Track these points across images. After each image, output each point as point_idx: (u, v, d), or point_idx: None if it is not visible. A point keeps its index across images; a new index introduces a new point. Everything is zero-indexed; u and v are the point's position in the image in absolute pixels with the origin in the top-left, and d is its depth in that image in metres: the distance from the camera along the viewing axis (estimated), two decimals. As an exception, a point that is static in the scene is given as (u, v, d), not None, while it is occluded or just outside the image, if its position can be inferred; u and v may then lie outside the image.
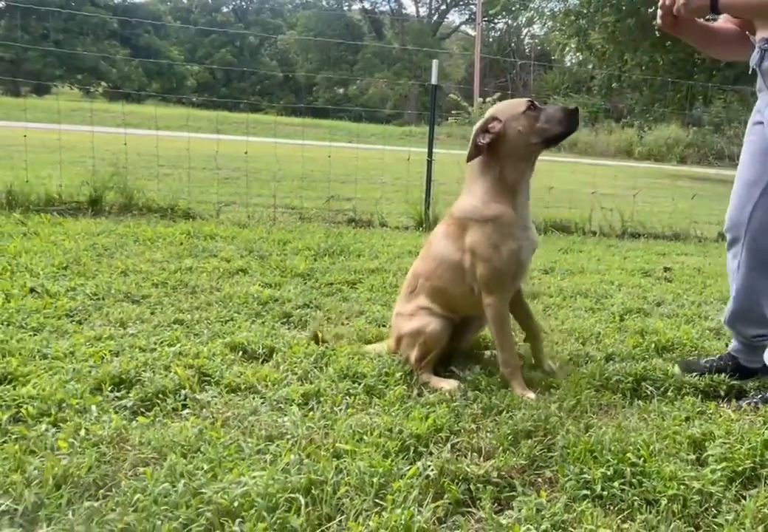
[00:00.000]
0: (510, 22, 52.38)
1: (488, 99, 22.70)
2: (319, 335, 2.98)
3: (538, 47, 51.76)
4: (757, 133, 2.63)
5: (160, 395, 2.29)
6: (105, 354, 2.62)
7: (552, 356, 2.94)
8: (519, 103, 2.56)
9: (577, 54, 27.22)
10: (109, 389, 2.32)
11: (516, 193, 2.59)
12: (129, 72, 43.70)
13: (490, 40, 54.10)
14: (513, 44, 54.29)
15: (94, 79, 41.38)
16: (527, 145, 2.56)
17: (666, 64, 22.14)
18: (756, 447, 2.07)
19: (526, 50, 54.73)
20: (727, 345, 3.26)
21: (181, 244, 4.91)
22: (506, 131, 2.52)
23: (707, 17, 2.68)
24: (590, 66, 25.91)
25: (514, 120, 2.52)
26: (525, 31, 53.41)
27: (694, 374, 2.79)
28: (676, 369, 2.84)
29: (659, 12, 2.64)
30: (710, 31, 2.79)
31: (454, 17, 79.26)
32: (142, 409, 2.23)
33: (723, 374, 2.78)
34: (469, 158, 2.57)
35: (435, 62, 7.02)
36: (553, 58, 35.15)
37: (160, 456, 1.90)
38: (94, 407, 2.16)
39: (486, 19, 47.38)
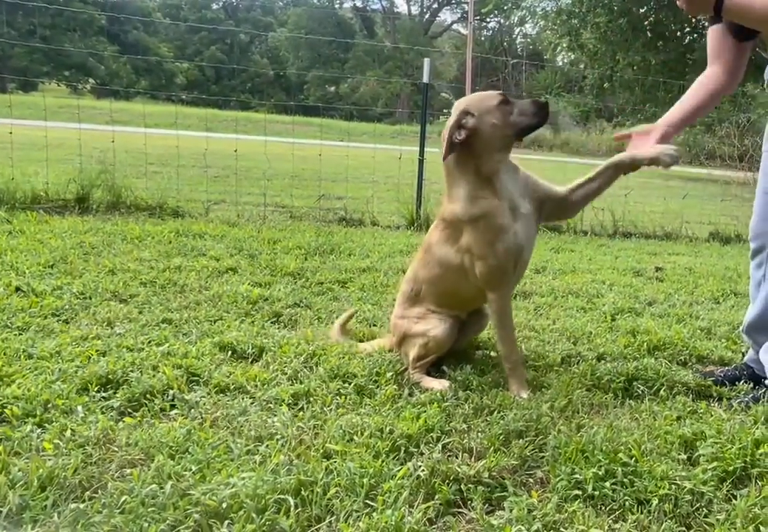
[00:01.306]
0: (502, 21, 52.53)
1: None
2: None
3: (530, 46, 51.91)
4: None
5: (148, 396, 2.28)
6: (92, 354, 2.60)
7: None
8: (491, 96, 2.53)
9: (569, 53, 27.28)
10: (96, 389, 2.30)
11: (497, 180, 2.54)
12: (117, 69, 43.52)
13: (482, 39, 54.15)
14: (505, 43, 54.42)
15: (81, 76, 41.20)
16: (503, 138, 2.52)
17: (657, 64, 22.27)
18: (747, 447, 2.07)
19: (518, 49, 54.89)
20: (718, 347, 3.30)
21: (170, 242, 4.88)
22: (480, 126, 2.48)
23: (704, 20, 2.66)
24: (582, 66, 25.99)
25: (488, 113, 2.48)
26: (517, 30, 53.61)
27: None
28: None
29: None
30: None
31: (446, 16, 79.50)
32: (129, 409, 2.21)
33: (738, 384, 2.78)
34: (445, 156, 2.52)
35: (427, 61, 7.02)
36: (545, 57, 35.22)
37: (147, 457, 1.88)
38: (80, 408, 2.14)
39: (478, 18, 47.41)
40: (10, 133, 6.26)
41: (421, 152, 7.13)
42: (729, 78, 2.70)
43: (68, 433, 1.97)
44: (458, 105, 2.58)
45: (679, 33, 23.43)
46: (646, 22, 23.06)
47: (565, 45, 25.69)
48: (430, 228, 2.80)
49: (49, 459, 1.82)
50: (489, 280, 2.55)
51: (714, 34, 2.71)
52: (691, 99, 2.72)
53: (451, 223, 2.61)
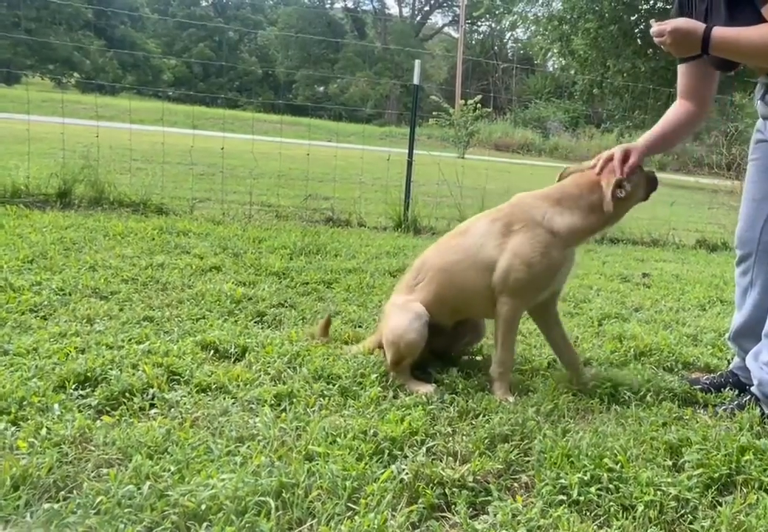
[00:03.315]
0: (493, 25, 52.77)
1: (470, 101, 22.77)
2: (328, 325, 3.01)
3: (521, 51, 52.14)
4: (762, 151, 2.66)
5: (127, 394, 2.25)
6: (70, 351, 2.57)
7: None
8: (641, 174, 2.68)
9: (560, 59, 27.47)
10: (73, 387, 2.27)
11: (589, 234, 2.69)
12: (103, 63, 43.27)
13: (473, 42, 54.43)
14: (496, 47, 54.69)
15: (66, 70, 40.88)
16: (625, 210, 2.68)
17: (647, 71, 22.48)
18: (732, 454, 2.08)
19: (509, 54, 55.15)
20: (703, 353, 3.31)
21: (153, 239, 4.84)
22: (631, 197, 2.62)
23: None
24: (572, 71, 26.14)
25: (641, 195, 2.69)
26: (508, 34, 53.84)
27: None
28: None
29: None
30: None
31: (437, 18, 79.51)
32: (107, 408, 2.18)
33: (723, 391, 2.79)
34: (607, 206, 2.57)
35: (417, 62, 7.01)
36: (535, 62, 35.35)
37: (124, 457, 1.85)
38: (56, 406, 2.11)
39: (469, 21, 47.65)
40: (-8, 125, 6.20)
41: (410, 154, 7.13)
42: (702, 109, 2.77)
43: (44, 431, 1.93)
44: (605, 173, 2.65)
45: (669, 41, 23.64)
46: (636, 30, 23.28)
47: (555, 50, 25.89)
48: (474, 216, 2.79)
49: (23, 458, 1.78)
50: (517, 286, 2.53)
51: (687, 71, 2.75)
52: (668, 126, 2.77)
53: (519, 220, 2.59)
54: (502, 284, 2.54)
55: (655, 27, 2.45)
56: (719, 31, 2.33)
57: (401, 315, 2.65)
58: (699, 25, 2.36)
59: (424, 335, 2.62)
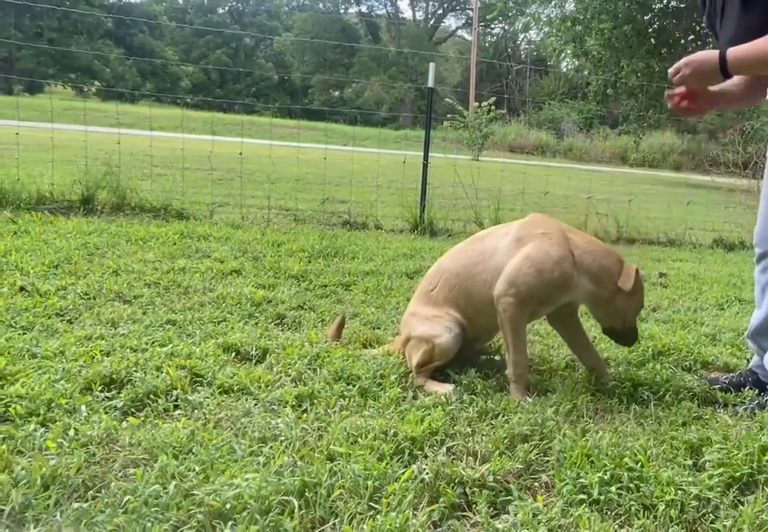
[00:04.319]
0: (506, 27, 52.67)
1: (484, 103, 22.73)
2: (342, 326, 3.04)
3: (534, 53, 51.99)
4: None
5: (151, 396, 2.27)
6: (95, 354, 2.59)
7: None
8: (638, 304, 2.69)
9: (573, 60, 27.34)
10: (99, 389, 2.29)
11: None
12: (123, 71, 43.61)
13: (487, 44, 54.36)
14: (509, 49, 54.55)
15: (87, 79, 41.26)
16: (614, 316, 2.69)
17: (661, 70, 22.25)
18: (753, 453, 2.06)
19: (523, 55, 55.00)
20: (722, 353, 3.28)
21: (174, 244, 4.88)
22: (631, 298, 2.62)
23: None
24: (586, 72, 26.00)
25: (637, 305, 2.69)
26: (521, 36, 53.73)
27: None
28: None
29: (669, 102, 2.65)
30: (726, 93, 2.76)
31: (451, 22, 79.36)
32: (132, 409, 2.20)
33: (743, 390, 2.77)
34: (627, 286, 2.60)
35: (432, 65, 7.02)
36: (549, 63, 35.23)
37: (150, 457, 1.87)
38: (83, 407, 2.13)
39: (482, 24, 47.57)
40: (17, 134, 6.27)
41: (426, 157, 7.13)
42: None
43: (71, 432, 1.96)
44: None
45: (683, 40, 23.48)
46: (650, 29, 23.12)
47: (569, 51, 25.75)
48: (498, 226, 2.85)
49: (52, 458, 1.81)
50: (523, 289, 2.52)
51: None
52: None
53: (540, 228, 2.64)
54: (508, 283, 2.54)
55: (671, 70, 2.46)
56: (732, 52, 2.32)
57: (434, 324, 2.68)
58: (712, 52, 2.36)
59: (458, 342, 2.65)
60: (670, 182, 19.16)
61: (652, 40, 23.06)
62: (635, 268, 2.59)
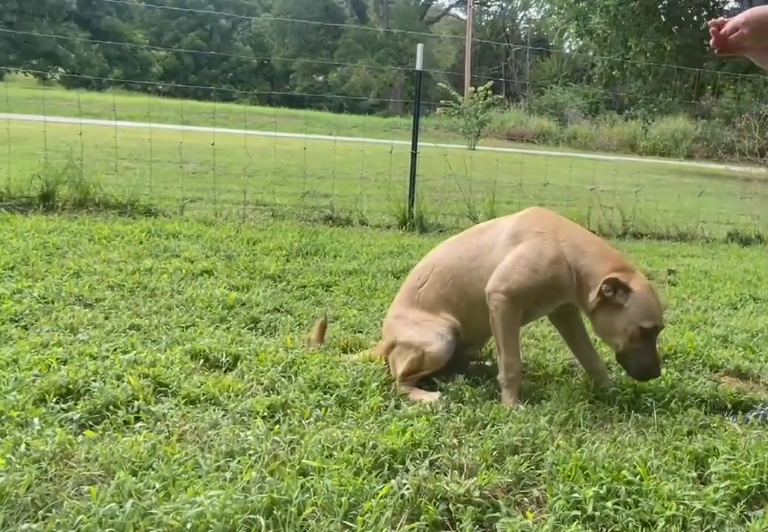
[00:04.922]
0: (504, 4, 52.77)
1: (480, 88, 22.77)
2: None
3: (535, 32, 52.11)
4: None
5: (111, 407, 2.27)
6: (51, 362, 2.59)
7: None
8: (651, 317, 2.55)
9: (577, 40, 27.41)
10: (55, 400, 2.29)
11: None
12: (89, 57, 43.44)
13: (483, 24, 54.40)
14: (507, 29, 54.61)
15: (50, 65, 41.10)
16: (611, 334, 2.60)
17: (672, 50, 22.33)
18: (763, 464, 2.07)
19: (522, 36, 55.10)
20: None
21: (141, 243, 4.87)
22: (620, 313, 2.53)
23: None
24: (590, 53, 26.07)
25: (630, 321, 2.53)
26: (520, 14, 53.83)
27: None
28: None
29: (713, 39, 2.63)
30: None
31: (444, -1, 79.42)
32: (90, 422, 2.20)
33: None
34: (591, 307, 2.56)
35: (420, 46, 7.03)
36: (550, 44, 35.39)
37: (107, 474, 1.87)
38: (36, 420, 2.13)
39: (478, 1, 47.65)
40: (-30, 125, 6.25)
41: (414, 146, 7.13)
42: None
43: (22, 447, 1.95)
44: (635, 280, 2.56)
45: (695, 17, 23.52)
46: (659, 5, 23.14)
47: (572, 30, 25.83)
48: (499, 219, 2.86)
49: (0, 476, 1.80)
50: (514, 288, 2.54)
51: None
52: None
53: (537, 226, 2.64)
54: (500, 279, 2.55)
55: (729, 25, 2.45)
56: None
57: (423, 329, 2.68)
58: None
59: (451, 350, 2.65)
60: (681, 171, 19.24)
61: (662, 16, 23.11)
62: (614, 278, 2.50)
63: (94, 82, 32.13)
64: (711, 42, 2.59)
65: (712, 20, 2.51)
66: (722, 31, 2.50)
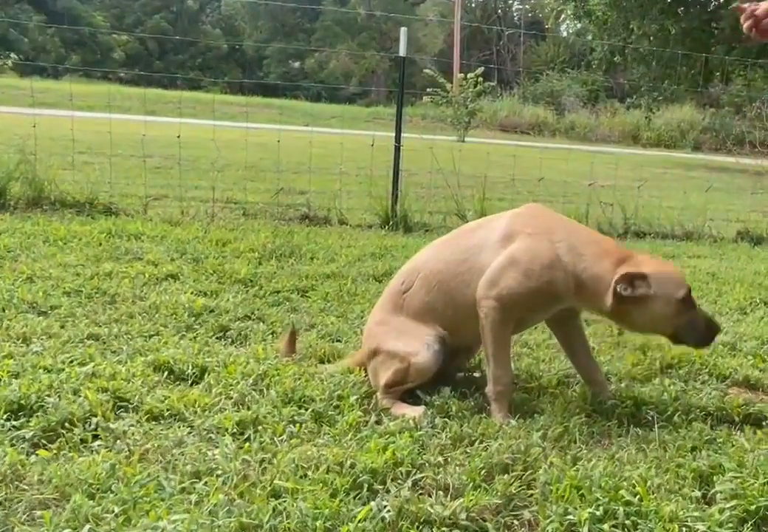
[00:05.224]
0: (496, -16, 52.89)
1: (470, 75, 22.82)
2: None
3: (529, 14, 52.31)
4: None
5: (67, 425, 2.26)
6: (2, 376, 2.58)
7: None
8: (680, 285, 2.57)
9: (574, 22, 27.51)
10: (5, 417, 2.29)
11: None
12: (44, 42, 43.17)
13: (473, 5, 54.50)
14: (499, 11, 54.77)
15: (2, 51, 40.78)
16: (653, 328, 2.64)
17: (678, 33, 22.39)
18: (772, 482, 2.08)
19: (515, 18, 55.28)
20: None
21: (100, 245, 4.87)
22: (649, 303, 2.53)
23: None
24: (589, 36, 26.18)
25: (667, 301, 2.54)
26: (514, -5, 53.93)
27: None
28: None
29: (747, 22, 2.65)
30: None
31: (431, -21, 79.49)
32: (43, 440, 2.19)
33: None
34: (612, 305, 2.53)
35: (403, 30, 7.04)
36: (546, 27, 35.52)
37: (62, 497, 1.87)
38: (-16, 440, 2.12)
39: (468, -19, 47.77)
40: None
41: (398, 138, 7.13)
42: None
43: (-32, 469, 1.94)
44: (645, 265, 2.58)
45: (702, -3, 23.58)
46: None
47: (570, 12, 25.90)
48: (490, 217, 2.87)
49: (-56, 501, 1.80)
50: (504, 292, 2.55)
51: None
52: None
53: (531, 226, 2.65)
54: (489, 284, 2.57)
55: (766, 6, 2.46)
56: None
57: (409, 338, 2.68)
58: None
59: (438, 360, 2.66)
60: (687, 165, 19.35)
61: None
62: (625, 275, 2.49)
63: (49, 69, 31.90)
64: (745, 26, 2.61)
65: (743, 3, 2.53)
66: (757, 12, 2.52)
